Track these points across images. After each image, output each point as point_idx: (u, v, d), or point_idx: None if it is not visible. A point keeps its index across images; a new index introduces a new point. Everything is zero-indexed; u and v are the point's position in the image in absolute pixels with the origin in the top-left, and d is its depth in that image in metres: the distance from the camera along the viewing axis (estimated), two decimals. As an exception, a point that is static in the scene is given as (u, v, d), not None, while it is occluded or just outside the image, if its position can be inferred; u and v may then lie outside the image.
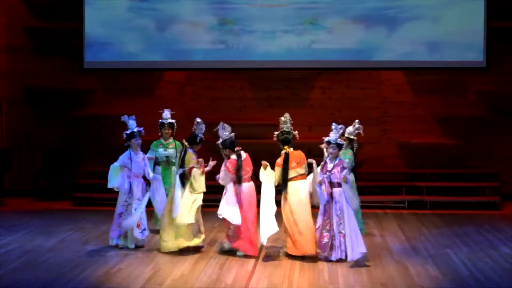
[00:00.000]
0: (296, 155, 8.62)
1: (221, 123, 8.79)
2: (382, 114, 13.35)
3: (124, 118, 9.29)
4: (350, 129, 9.50)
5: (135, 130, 9.12)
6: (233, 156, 8.67)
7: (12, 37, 13.61)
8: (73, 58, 13.33)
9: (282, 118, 8.76)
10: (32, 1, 13.59)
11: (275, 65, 13.05)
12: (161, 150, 9.97)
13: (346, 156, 9.16)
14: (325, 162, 8.47)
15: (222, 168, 8.70)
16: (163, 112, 10.04)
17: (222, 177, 8.68)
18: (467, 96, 13.21)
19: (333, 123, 8.54)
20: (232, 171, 8.61)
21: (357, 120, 9.63)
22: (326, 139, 8.47)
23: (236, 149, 8.73)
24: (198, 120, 9.15)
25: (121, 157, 9.09)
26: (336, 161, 8.39)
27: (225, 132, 8.72)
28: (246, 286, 7.36)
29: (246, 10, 12.97)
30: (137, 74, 13.49)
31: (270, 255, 8.64)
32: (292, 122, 8.76)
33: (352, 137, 9.54)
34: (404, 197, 12.59)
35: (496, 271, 7.87)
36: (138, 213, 8.86)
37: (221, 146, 8.72)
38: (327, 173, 8.35)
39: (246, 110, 13.34)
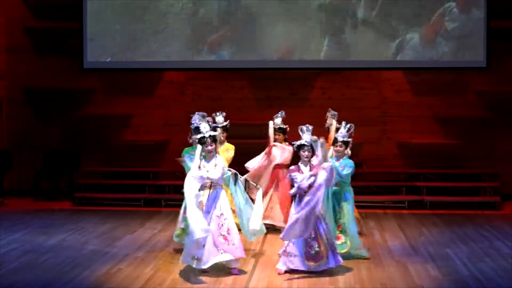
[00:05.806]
0: None
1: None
2: (382, 114, 13.34)
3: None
4: (342, 131, 8.51)
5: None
6: None
7: (12, 37, 13.61)
8: (73, 58, 13.32)
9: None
10: (32, 1, 13.59)
11: (275, 65, 13.05)
12: None
13: (348, 163, 8.41)
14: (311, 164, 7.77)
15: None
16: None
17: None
18: (467, 96, 13.19)
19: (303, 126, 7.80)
20: None
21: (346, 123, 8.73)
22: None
23: None
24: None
25: None
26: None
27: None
28: (246, 286, 7.36)
29: (246, 10, 12.96)
30: (137, 74, 13.49)
31: (270, 255, 8.64)
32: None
33: (347, 139, 8.44)
34: (404, 197, 12.58)
35: (496, 271, 7.86)
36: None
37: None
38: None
39: (246, 110, 13.33)
